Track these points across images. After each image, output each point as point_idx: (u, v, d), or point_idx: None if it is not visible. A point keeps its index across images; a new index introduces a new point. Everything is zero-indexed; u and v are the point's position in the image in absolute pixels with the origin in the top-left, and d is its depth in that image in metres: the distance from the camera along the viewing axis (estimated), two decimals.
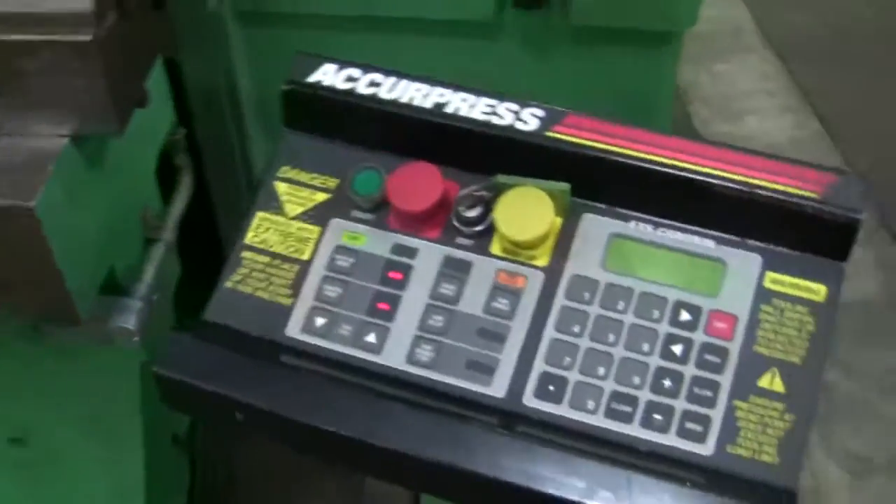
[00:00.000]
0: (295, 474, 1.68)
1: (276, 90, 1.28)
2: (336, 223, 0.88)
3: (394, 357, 0.83)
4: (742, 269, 0.82)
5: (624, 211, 0.85)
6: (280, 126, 0.95)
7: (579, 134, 0.85)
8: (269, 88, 1.28)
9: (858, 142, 2.28)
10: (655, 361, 0.80)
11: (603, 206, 0.85)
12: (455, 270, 0.85)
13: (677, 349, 0.81)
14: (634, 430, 0.79)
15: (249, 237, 0.88)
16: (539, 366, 0.81)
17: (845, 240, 0.81)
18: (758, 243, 0.83)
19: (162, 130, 1.11)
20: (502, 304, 0.83)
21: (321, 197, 0.89)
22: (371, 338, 0.84)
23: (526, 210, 0.82)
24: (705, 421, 0.78)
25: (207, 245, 1.33)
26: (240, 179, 1.34)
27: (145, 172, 1.08)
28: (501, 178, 0.84)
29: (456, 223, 0.86)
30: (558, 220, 0.84)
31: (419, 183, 0.85)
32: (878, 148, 2.20)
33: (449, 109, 0.87)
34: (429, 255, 0.86)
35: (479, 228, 0.85)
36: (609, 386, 0.80)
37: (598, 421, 0.79)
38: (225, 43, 1.22)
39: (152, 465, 1.18)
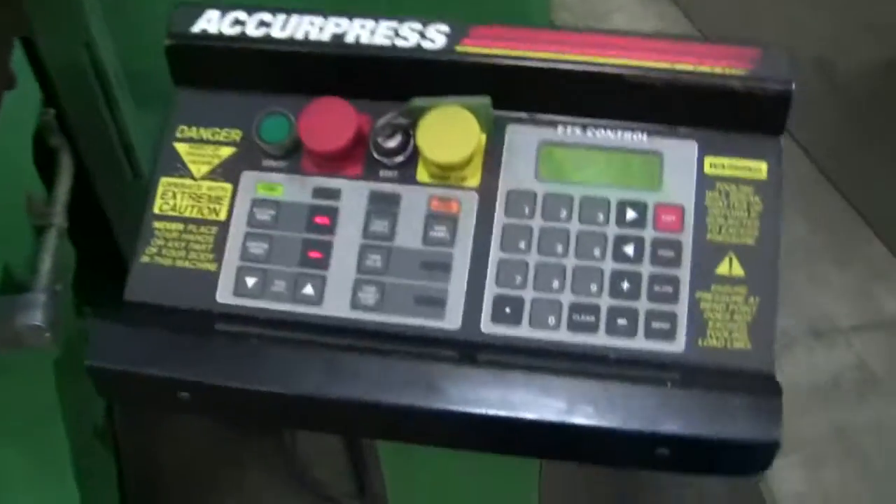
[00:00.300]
0: (222, 451, 1.64)
1: (142, 55, 1.21)
2: (248, 176, 0.82)
3: (336, 306, 0.78)
4: (680, 159, 0.80)
5: (549, 117, 0.81)
6: (155, 90, 0.89)
7: (490, 43, 0.80)
8: (134, 54, 1.21)
9: (718, 23, 2.30)
10: (609, 265, 0.77)
11: (526, 115, 0.81)
12: (384, 205, 0.80)
13: (629, 249, 0.77)
14: (601, 339, 0.76)
15: (158, 206, 0.82)
16: (491, 289, 0.77)
17: (780, 113, 0.79)
18: (692, 129, 0.80)
19: (32, 112, 1.04)
20: (440, 231, 0.79)
21: (227, 152, 0.83)
22: (308, 290, 0.79)
23: (449, 130, 0.78)
24: (671, 318, 0.76)
25: (93, 227, 1.27)
26: (118, 154, 1.27)
27: (23, 159, 1.01)
28: (417, 102, 0.79)
29: (376, 156, 0.81)
30: (483, 137, 0.80)
31: (331, 120, 0.80)
32: (739, 24, 2.22)
33: (349, 39, 0.82)
34: (353, 194, 0.81)
35: (401, 158, 0.81)
36: (567, 298, 0.77)
37: (562, 336, 0.76)
38: (80, 12, 1.14)
39: (80, 461, 1.12)
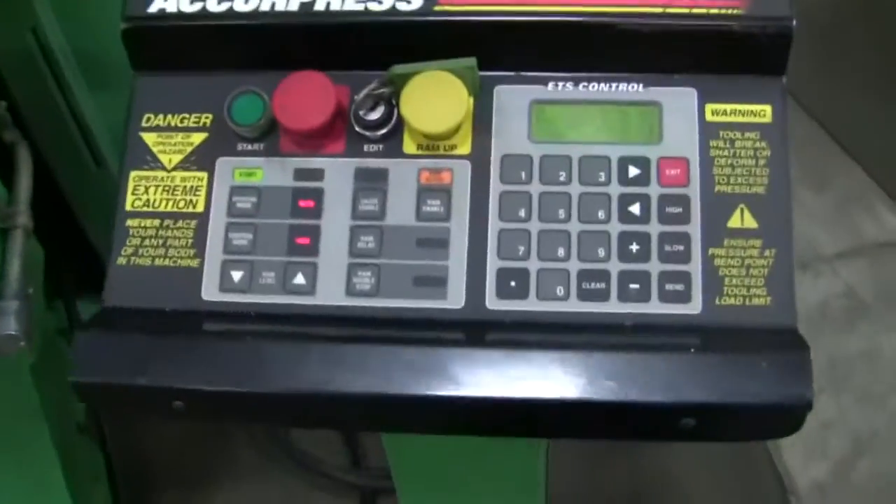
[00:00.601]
0: (212, 435, 1.61)
1: (91, 36, 1.15)
2: (224, 162, 0.77)
3: (331, 294, 0.74)
4: (679, 108, 0.75)
5: (539, 73, 0.77)
6: (107, 72, 0.83)
7: (470, 0, 0.75)
8: (82, 35, 1.15)
9: None
10: (616, 227, 0.73)
11: (514, 73, 0.77)
12: (371, 182, 0.75)
13: (635, 209, 0.73)
14: (614, 307, 0.72)
15: (129, 202, 0.77)
16: (493, 263, 0.73)
17: (781, 52, 0.75)
18: (689, 76, 0.76)
19: None
20: (434, 205, 0.74)
21: (199, 138, 0.78)
22: (299, 279, 0.74)
23: (434, 97, 0.73)
24: (685, 278, 0.72)
25: (58, 220, 1.22)
26: (76, 142, 1.21)
27: None
28: (398, 69, 0.74)
29: (359, 130, 0.76)
30: (470, 101, 0.75)
31: (307, 95, 0.75)
32: None
33: (319, 6, 0.76)
34: (337, 173, 0.76)
35: (385, 130, 0.76)
36: (574, 266, 0.72)
37: (573, 306, 0.72)
38: None
39: (67, 458, 1.08)
